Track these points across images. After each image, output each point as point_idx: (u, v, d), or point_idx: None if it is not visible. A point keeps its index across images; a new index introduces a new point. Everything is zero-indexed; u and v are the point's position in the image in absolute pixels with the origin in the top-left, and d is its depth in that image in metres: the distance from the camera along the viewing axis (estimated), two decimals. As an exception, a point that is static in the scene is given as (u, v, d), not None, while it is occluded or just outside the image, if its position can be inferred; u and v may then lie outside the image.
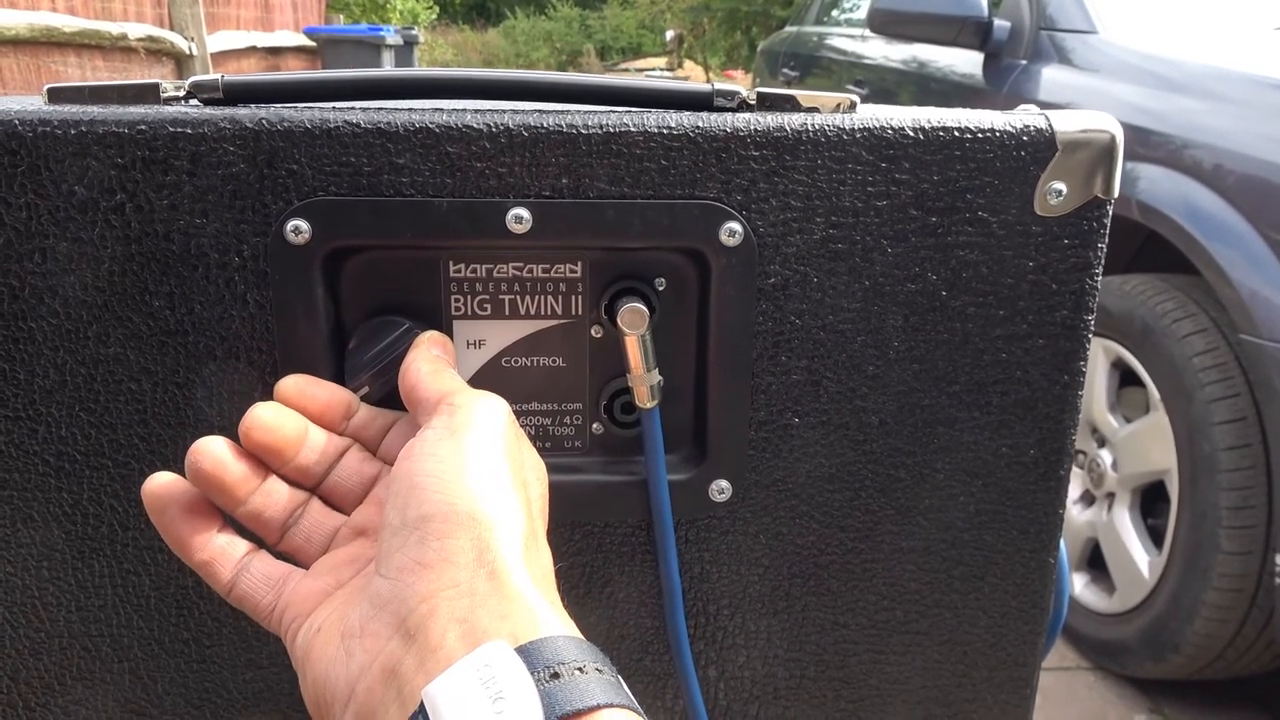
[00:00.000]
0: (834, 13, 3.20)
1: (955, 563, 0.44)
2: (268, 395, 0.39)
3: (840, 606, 0.45)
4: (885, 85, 2.43)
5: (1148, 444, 1.43)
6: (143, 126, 0.36)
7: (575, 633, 0.29)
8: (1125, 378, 1.51)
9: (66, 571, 0.41)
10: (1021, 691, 0.47)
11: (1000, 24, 1.88)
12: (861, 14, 2.69)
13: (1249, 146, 1.33)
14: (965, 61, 2.02)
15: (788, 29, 3.68)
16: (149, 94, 0.38)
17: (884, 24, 2.18)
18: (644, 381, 0.40)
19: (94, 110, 0.36)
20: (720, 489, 0.42)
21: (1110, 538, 1.49)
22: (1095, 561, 1.55)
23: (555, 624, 0.28)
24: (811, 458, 0.42)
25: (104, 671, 0.42)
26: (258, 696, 0.43)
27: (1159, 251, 1.45)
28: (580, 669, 0.26)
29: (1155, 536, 1.44)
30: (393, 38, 6.01)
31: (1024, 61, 1.85)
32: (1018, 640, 0.46)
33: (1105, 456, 1.51)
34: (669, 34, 13.00)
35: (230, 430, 0.39)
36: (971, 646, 0.46)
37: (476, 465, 0.30)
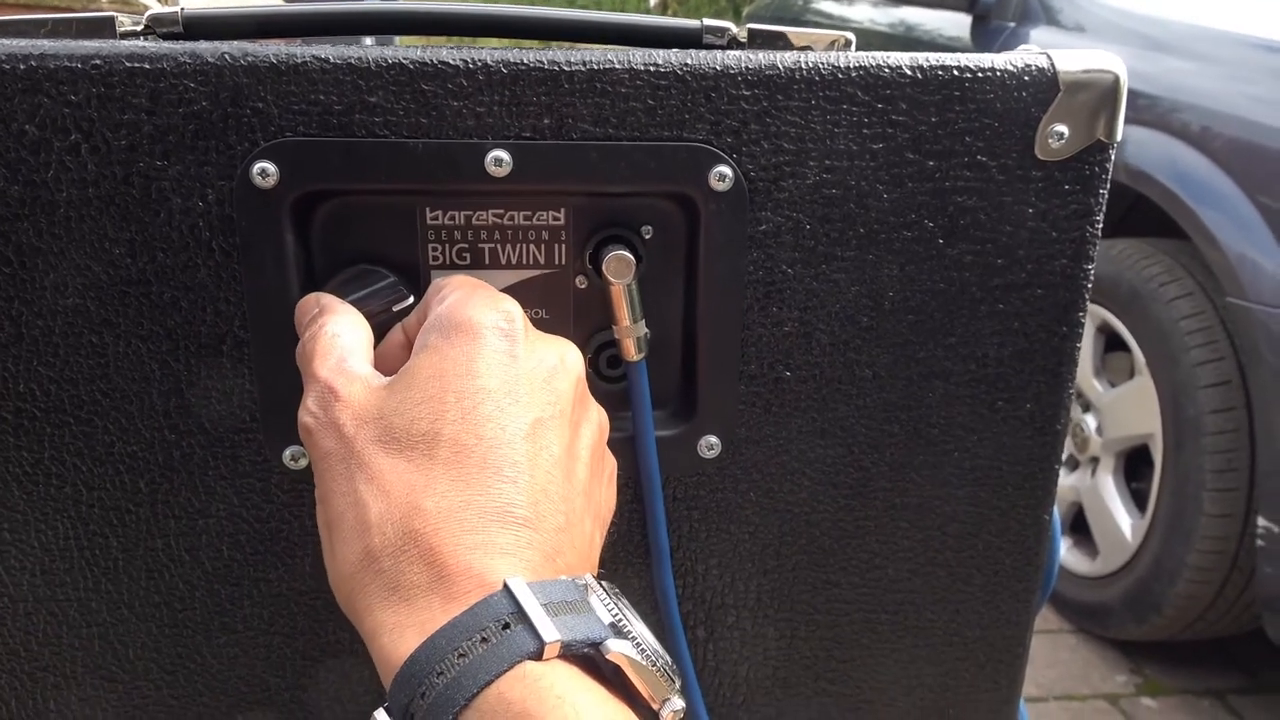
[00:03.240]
0: (820, -25, 3.16)
1: (949, 519, 0.44)
2: (236, 347, 0.37)
3: (832, 565, 0.44)
4: (871, 49, 2.40)
5: (1132, 408, 1.43)
6: (97, 61, 0.34)
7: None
8: (1110, 342, 1.51)
9: (29, 534, 0.39)
10: (1014, 650, 0.47)
11: (988, -15, 1.86)
12: (848, -24, 2.65)
13: (1237, 108, 1.32)
14: (953, 24, 2.00)
15: (773, -7, 3.63)
16: (104, 28, 0.36)
17: (871, -15, 2.15)
18: (630, 334, 0.38)
19: (45, 44, 0.34)
20: (709, 445, 0.41)
21: (1094, 501, 1.50)
22: (1078, 525, 1.56)
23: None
24: (803, 412, 0.41)
25: (71, 637, 0.41)
26: (231, 661, 0.42)
27: (1146, 215, 1.44)
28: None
29: (1138, 500, 1.45)
30: None
31: (1012, 24, 1.83)
32: (1011, 599, 0.46)
33: (1090, 421, 1.51)
34: None
35: (198, 385, 0.38)
36: (965, 605, 0.45)
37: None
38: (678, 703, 0.28)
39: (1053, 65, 0.38)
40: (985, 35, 1.88)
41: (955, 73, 0.37)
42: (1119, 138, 0.39)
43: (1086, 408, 1.53)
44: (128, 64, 0.34)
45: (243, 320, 0.37)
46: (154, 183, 0.35)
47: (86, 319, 0.36)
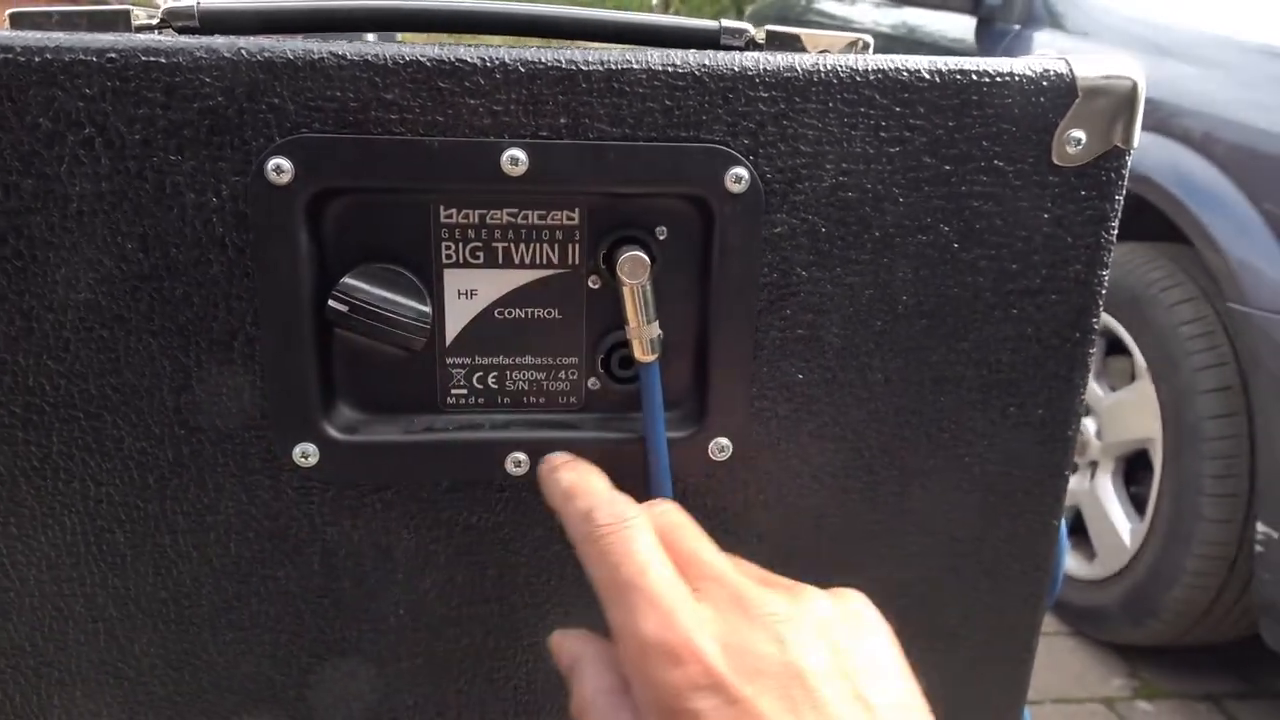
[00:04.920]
0: (823, -24, 3.15)
1: (958, 525, 0.43)
2: (246, 344, 0.37)
3: (841, 568, 0.44)
4: (875, 50, 2.40)
5: (1133, 413, 1.43)
6: (112, 55, 0.34)
7: None
8: (1111, 346, 1.51)
9: (36, 529, 0.39)
10: (1020, 655, 0.47)
11: (993, -13, 1.86)
12: (852, -23, 2.65)
13: (1240, 113, 1.32)
14: (957, 26, 2.00)
15: (776, -8, 3.62)
16: (119, 21, 0.36)
17: (875, -14, 2.15)
18: (643, 335, 0.38)
19: (60, 36, 0.34)
20: (721, 447, 0.41)
21: (1093, 505, 1.50)
22: (1076, 529, 1.56)
23: None
24: (815, 416, 0.41)
25: (77, 633, 0.40)
26: (238, 658, 0.41)
27: (1149, 219, 1.44)
28: None
29: (1137, 504, 1.45)
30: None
31: (1017, 26, 1.82)
32: (1018, 604, 0.46)
33: (1090, 425, 1.52)
34: (654, -3, 12.83)
35: (209, 381, 0.38)
36: (972, 610, 0.45)
37: None
38: None
39: (1071, 71, 0.38)
40: (989, 38, 1.88)
41: (973, 77, 0.37)
42: (1136, 144, 0.39)
43: (1086, 411, 1.53)
44: (143, 58, 0.34)
45: (255, 317, 0.37)
46: (168, 178, 0.35)
47: (98, 314, 0.36)
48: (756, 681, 0.30)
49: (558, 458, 0.38)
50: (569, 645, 0.36)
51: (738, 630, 0.31)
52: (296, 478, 0.39)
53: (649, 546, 0.33)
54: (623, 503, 0.35)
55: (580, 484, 0.36)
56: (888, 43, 2.36)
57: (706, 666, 0.30)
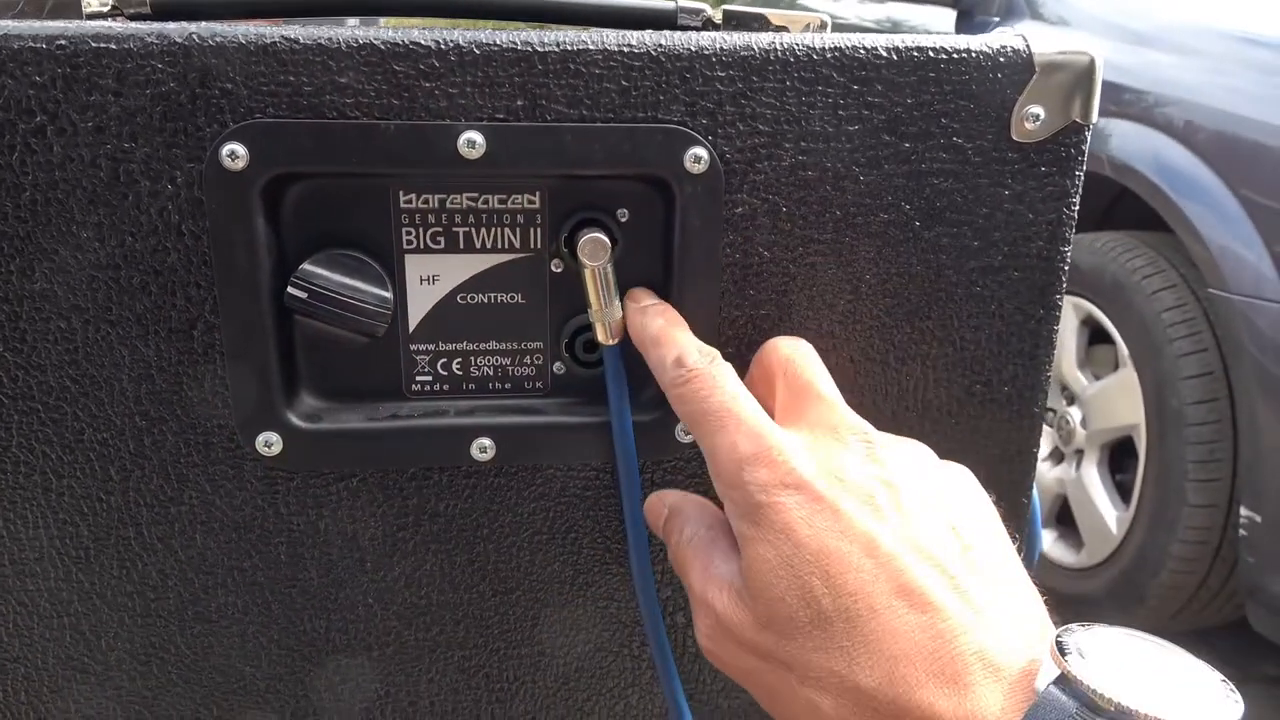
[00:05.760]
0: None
1: None
2: (206, 333, 0.37)
3: None
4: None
5: (1117, 400, 1.44)
6: (62, 41, 0.33)
7: None
8: (1095, 335, 1.52)
9: None
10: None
11: (973, -20, 1.86)
12: (834, -28, 2.66)
13: (1220, 101, 1.33)
14: (938, 18, 2.01)
15: (759, -11, 3.63)
16: (69, 8, 0.35)
17: (856, -20, 2.15)
18: (605, 317, 0.38)
19: (8, 24, 0.33)
20: (687, 430, 0.40)
21: (1079, 493, 1.51)
22: (1064, 517, 1.56)
23: None
24: None
25: (42, 627, 0.40)
26: (206, 651, 0.41)
27: (1130, 208, 1.44)
28: None
29: (1123, 492, 1.46)
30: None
31: (996, 18, 1.83)
32: (990, 583, 0.46)
33: (1074, 414, 1.52)
34: (640, -2, 12.83)
35: (168, 371, 0.37)
36: (944, 590, 0.45)
37: None
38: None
39: (1028, 47, 0.38)
40: (969, 29, 1.88)
41: (931, 54, 0.37)
42: (1095, 119, 0.39)
43: (1071, 400, 1.54)
44: (93, 44, 0.33)
45: (213, 305, 0.37)
46: (122, 165, 0.35)
47: (54, 304, 0.36)
48: (840, 485, 0.32)
49: (645, 297, 0.39)
50: (665, 500, 0.38)
51: (828, 447, 0.33)
52: (260, 467, 0.39)
53: (735, 382, 0.35)
54: (707, 348, 0.36)
55: (667, 332, 0.37)
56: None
57: (790, 468, 0.32)
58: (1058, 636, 0.27)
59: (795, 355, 0.37)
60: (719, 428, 0.34)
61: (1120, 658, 0.27)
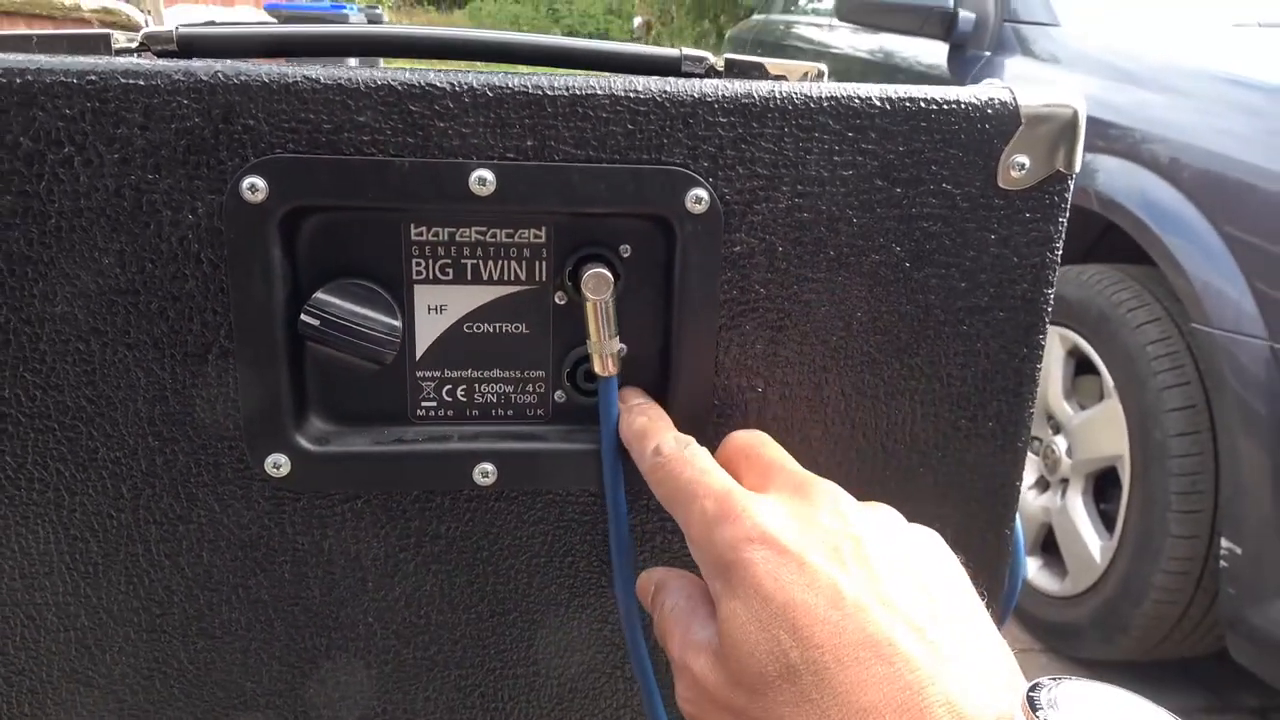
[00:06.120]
0: (801, 1, 3.21)
1: None
2: (221, 358, 0.38)
3: None
4: (851, 75, 2.45)
5: (1101, 431, 1.45)
6: (92, 77, 0.35)
7: None
8: (1081, 366, 1.54)
9: (9, 537, 0.40)
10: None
11: (965, 15, 1.90)
12: (828, 3, 2.70)
13: (1205, 140, 1.36)
14: (930, 52, 2.04)
15: (755, 17, 3.68)
16: (99, 44, 0.37)
17: (851, 13, 2.19)
18: (603, 349, 0.39)
19: (41, 59, 0.35)
20: None
21: (1063, 522, 1.52)
22: (1048, 546, 1.58)
23: None
24: (771, 429, 0.42)
25: (49, 641, 0.41)
26: (208, 666, 0.42)
27: (1117, 242, 1.47)
28: None
29: (1107, 521, 1.47)
30: (356, 17, 5.88)
31: (988, 53, 1.87)
32: (974, 612, 0.47)
33: (1060, 443, 1.54)
34: (636, 21, 12.95)
35: (183, 393, 0.38)
36: (929, 618, 0.46)
37: None
38: None
39: (1014, 99, 0.40)
40: (962, 64, 1.92)
41: (922, 104, 0.39)
42: (1078, 169, 0.41)
43: (1057, 430, 1.56)
44: (123, 80, 0.35)
45: (229, 330, 0.38)
46: (145, 195, 0.36)
47: (74, 326, 0.37)
48: (806, 538, 0.32)
49: (634, 396, 0.41)
50: (653, 576, 0.39)
51: (795, 504, 0.34)
52: (268, 488, 0.40)
53: (707, 460, 0.37)
54: (683, 436, 0.39)
55: (650, 426, 0.39)
56: (864, 67, 2.40)
57: (756, 523, 0.33)
58: (1029, 691, 0.28)
59: (755, 439, 0.39)
60: (690, 498, 0.35)
61: (1091, 711, 0.27)
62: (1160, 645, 1.40)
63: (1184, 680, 1.53)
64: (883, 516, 0.35)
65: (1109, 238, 1.51)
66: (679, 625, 0.35)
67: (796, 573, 0.31)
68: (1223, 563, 1.27)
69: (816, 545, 0.32)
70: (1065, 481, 1.53)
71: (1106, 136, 1.47)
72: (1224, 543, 1.27)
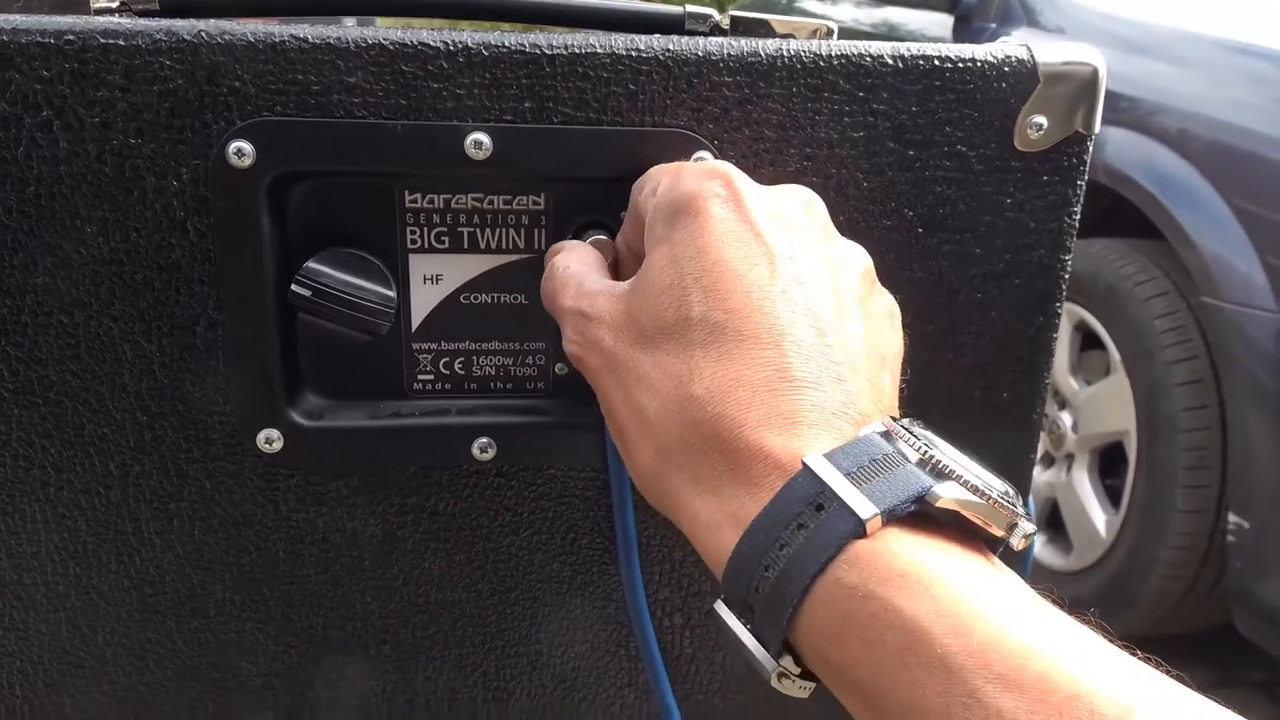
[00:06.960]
0: (804, -26, 3.17)
1: None
2: (209, 329, 0.37)
3: None
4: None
5: (1108, 406, 1.44)
6: (71, 36, 0.33)
7: None
8: (1087, 340, 1.53)
9: None
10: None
11: (970, -14, 1.87)
12: (832, -25, 2.66)
13: (1214, 110, 1.33)
14: (935, 24, 2.01)
15: (757, -10, 3.63)
16: (78, 3, 0.35)
17: (855, -16, 2.16)
18: None
19: (16, 18, 0.33)
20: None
21: (1069, 498, 1.52)
22: (1054, 521, 1.57)
23: None
24: None
25: (38, 622, 0.40)
26: (202, 646, 0.41)
27: (1125, 215, 1.45)
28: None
29: (1113, 496, 1.47)
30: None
31: (993, 24, 1.84)
32: (986, 588, 0.46)
33: (1065, 418, 1.53)
34: (637, -4, 12.84)
35: (171, 367, 0.37)
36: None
37: None
38: (1027, 526, 0.27)
39: (1032, 57, 0.38)
40: (967, 36, 1.89)
41: (936, 62, 0.37)
42: (1098, 129, 0.39)
43: (1063, 405, 1.55)
44: (102, 40, 0.33)
45: (217, 302, 0.37)
46: (128, 161, 0.35)
47: (57, 298, 0.36)
48: (775, 222, 0.31)
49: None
50: (557, 248, 0.37)
51: (776, 193, 0.33)
52: (261, 464, 0.39)
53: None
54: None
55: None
56: (868, 40, 2.37)
57: (737, 188, 0.31)
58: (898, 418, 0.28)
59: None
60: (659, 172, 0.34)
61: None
62: (1166, 620, 1.40)
63: (1190, 655, 1.52)
64: (847, 251, 0.34)
65: (1117, 211, 1.49)
66: (573, 281, 0.34)
67: (744, 243, 0.30)
68: (1230, 537, 1.26)
69: (781, 231, 0.31)
70: (1070, 457, 1.52)
71: (1115, 108, 1.45)
72: (1231, 517, 1.26)
